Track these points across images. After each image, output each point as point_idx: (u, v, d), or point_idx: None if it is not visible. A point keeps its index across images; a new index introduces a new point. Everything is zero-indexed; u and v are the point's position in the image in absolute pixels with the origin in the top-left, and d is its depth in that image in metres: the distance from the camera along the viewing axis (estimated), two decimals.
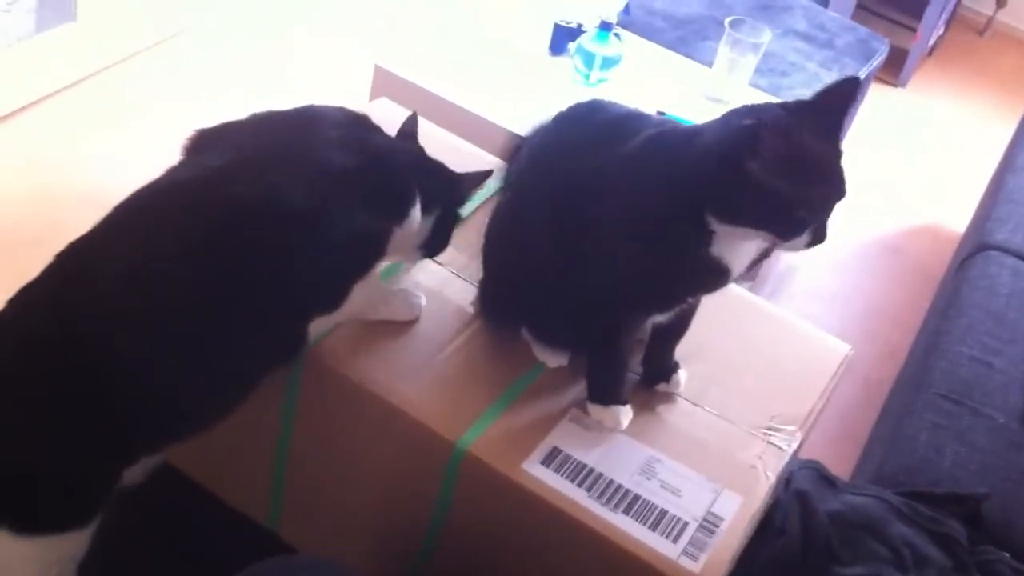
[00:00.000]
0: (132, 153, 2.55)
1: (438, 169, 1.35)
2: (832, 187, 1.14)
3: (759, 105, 1.17)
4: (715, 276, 1.20)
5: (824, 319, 2.73)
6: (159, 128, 2.65)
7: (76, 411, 1.10)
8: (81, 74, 2.70)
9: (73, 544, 1.17)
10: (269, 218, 1.14)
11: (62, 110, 2.63)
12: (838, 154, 1.16)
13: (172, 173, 1.21)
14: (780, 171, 1.09)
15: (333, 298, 1.22)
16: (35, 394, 1.10)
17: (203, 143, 1.24)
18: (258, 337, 1.18)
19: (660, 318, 1.31)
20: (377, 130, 1.29)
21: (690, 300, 1.29)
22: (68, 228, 2.21)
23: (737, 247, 1.17)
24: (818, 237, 1.15)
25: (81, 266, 1.15)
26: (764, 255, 1.22)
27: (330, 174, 1.18)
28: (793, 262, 2.90)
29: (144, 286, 1.12)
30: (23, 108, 2.57)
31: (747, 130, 1.08)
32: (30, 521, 1.13)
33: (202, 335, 1.13)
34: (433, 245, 1.36)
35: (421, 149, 1.36)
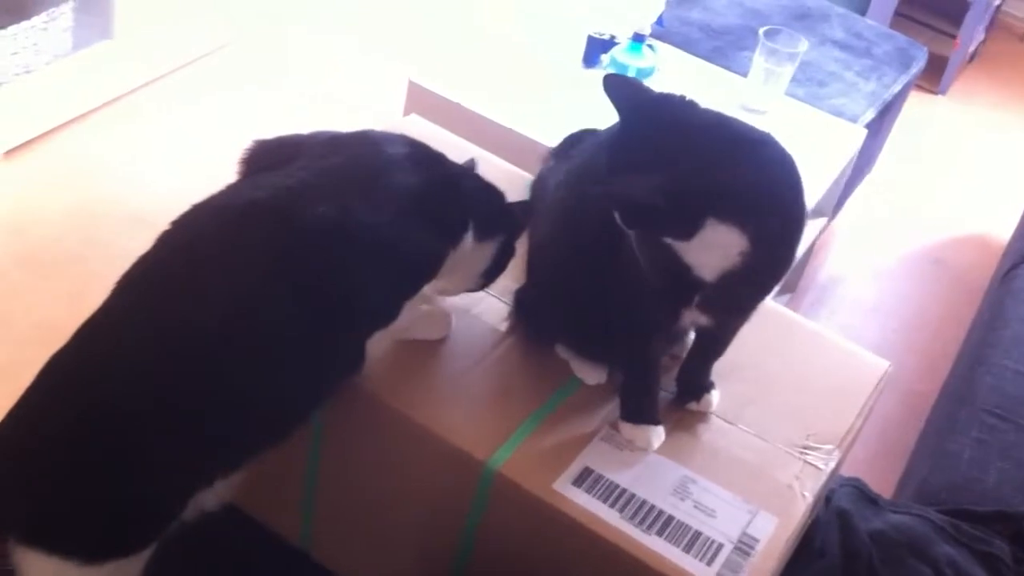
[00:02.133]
0: (169, 170, 2.56)
1: (495, 197, 1.35)
2: None
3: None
4: (680, 271, 1.15)
5: (866, 331, 2.70)
6: (197, 144, 2.66)
7: (153, 437, 1.09)
8: (119, 91, 2.73)
9: (135, 566, 1.17)
10: (347, 238, 1.15)
11: (100, 127, 2.65)
12: None
13: (238, 191, 1.20)
14: None
15: (389, 314, 1.23)
16: (112, 425, 1.09)
17: (264, 157, 1.25)
18: (328, 354, 1.18)
19: (697, 324, 1.27)
20: (438, 156, 1.30)
21: (688, 304, 1.20)
22: (107, 245, 2.25)
23: (694, 247, 1.12)
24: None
25: (151, 288, 1.14)
26: (739, 269, 1.13)
27: (397, 195, 1.20)
28: (835, 273, 2.86)
29: (224, 307, 1.11)
30: (62, 126, 2.60)
31: None
32: (100, 549, 1.12)
33: (280, 355, 1.13)
34: (493, 273, 1.36)
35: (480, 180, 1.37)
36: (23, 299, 2.16)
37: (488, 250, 1.32)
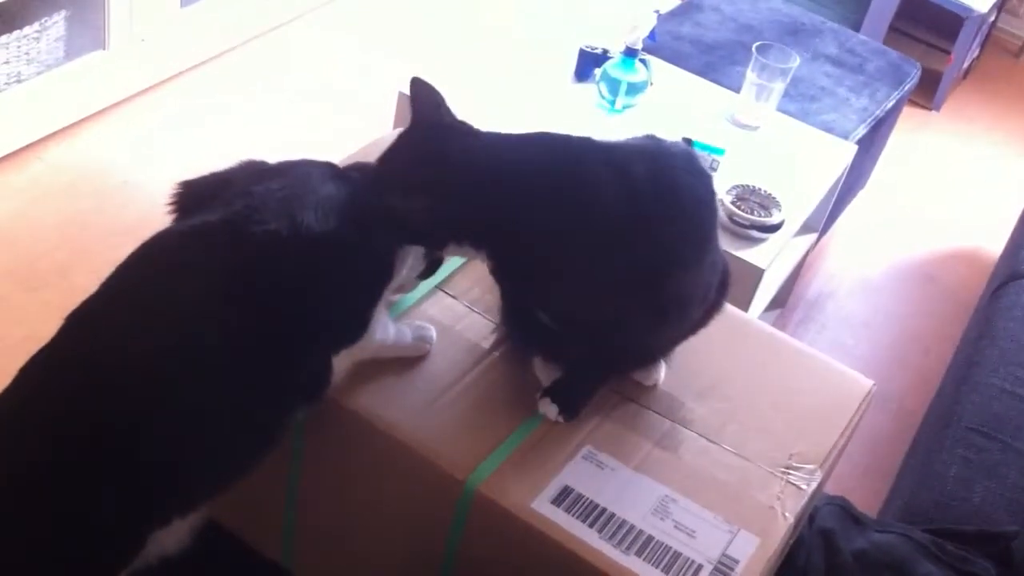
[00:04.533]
0: (162, 181, 2.55)
1: None
2: None
3: None
4: None
5: (855, 347, 2.69)
6: (190, 155, 2.66)
7: (100, 475, 1.08)
8: (110, 102, 2.72)
9: None
10: (302, 252, 1.15)
11: (92, 138, 2.65)
12: None
13: (183, 223, 1.20)
14: None
15: (359, 326, 1.23)
16: (57, 463, 1.07)
17: (193, 197, 1.24)
18: (287, 375, 1.17)
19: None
20: (359, 169, 1.31)
21: None
22: (97, 257, 2.24)
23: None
24: None
25: (100, 325, 1.13)
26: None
27: (338, 207, 1.20)
28: (826, 289, 2.86)
29: (172, 336, 1.10)
30: (52, 136, 2.59)
31: None
32: None
33: (238, 380, 1.12)
34: (428, 268, 1.36)
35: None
36: (11, 312, 2.15)
37: None
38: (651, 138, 1.30)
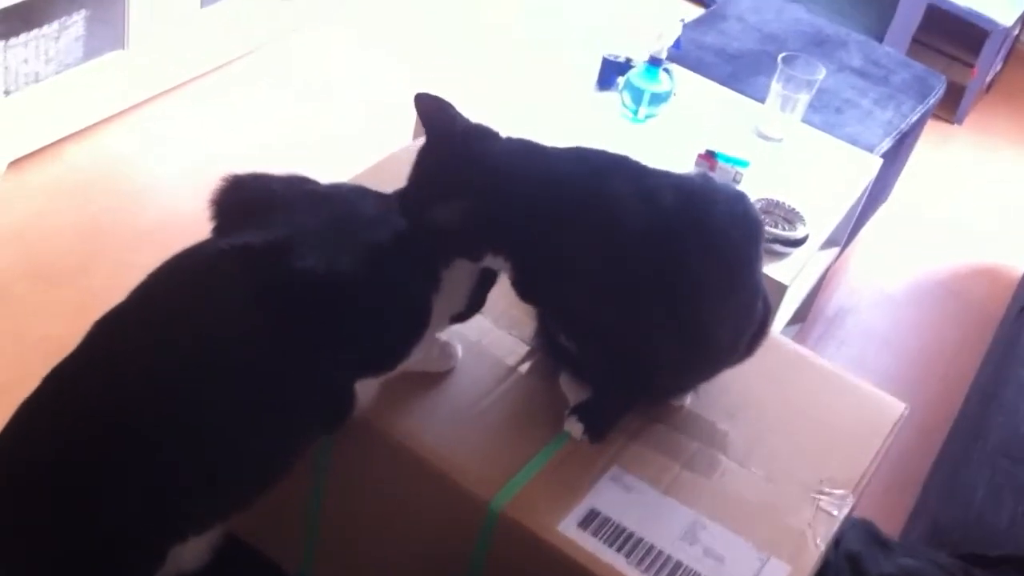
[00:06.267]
0: (178, 183, 2.54)
1: None
2: None
3: None
4: None
5: (877, 362, 2.66)
6: (207, 157, 2.64)
7: (119, 490, 1.06)
8: (129, 103, 2.71)
9: None
10: (336, 290, 1.13)
11: (109, 139, 2.64)
12: None
13: (223, 241, 1.18)
14: None
15: (387, 365, 1.21)
16: (82, 478, 1.06)
17: (235, 201, 1.22)
18: (309, 405, 1.16)
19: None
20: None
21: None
22: (113, 258, 2.23)
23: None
24: None
25: (127, 337, 1.12)
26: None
27: (379, 250, 1.18)
28: (847, 303, 2.83)
29: (202, 356, 1.09)
30: (70, 136, 2.58)
31: None
32: None
33: (260, 404, 1.11)
34: (470, 308, 1.33)
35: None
36: (28, 312, 2.13)
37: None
38: (702, 176, 1.28)
